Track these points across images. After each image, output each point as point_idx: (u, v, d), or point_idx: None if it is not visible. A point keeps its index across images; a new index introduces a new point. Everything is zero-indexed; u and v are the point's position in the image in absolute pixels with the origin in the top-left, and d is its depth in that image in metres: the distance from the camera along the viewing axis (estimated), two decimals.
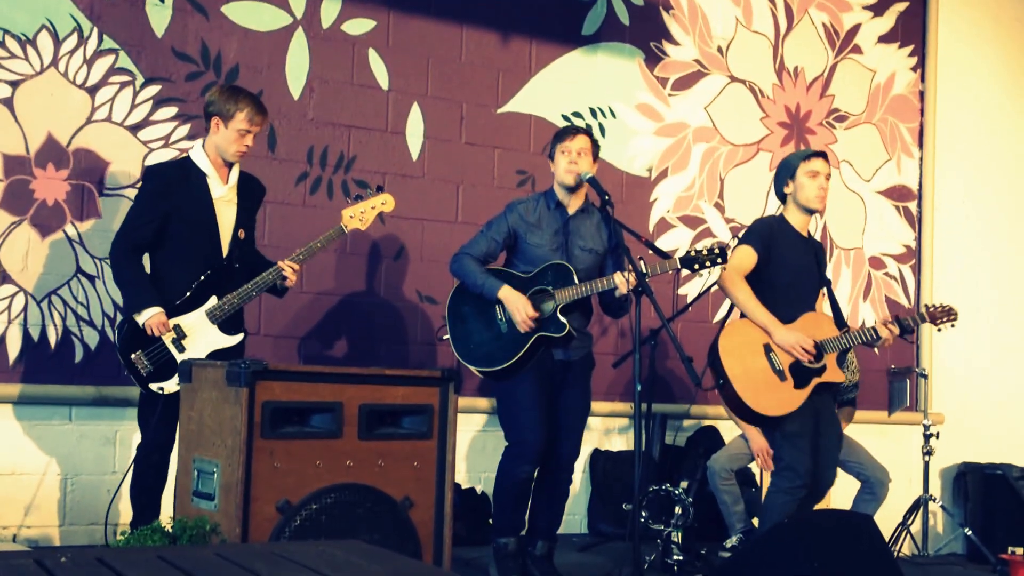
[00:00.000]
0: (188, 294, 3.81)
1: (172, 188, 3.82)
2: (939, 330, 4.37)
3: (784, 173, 4.25)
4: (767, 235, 4.17)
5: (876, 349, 6.33)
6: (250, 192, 4.03)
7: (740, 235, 4.32)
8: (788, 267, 4.16)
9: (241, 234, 3.93)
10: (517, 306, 3.97)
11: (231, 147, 3.84)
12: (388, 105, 5.27)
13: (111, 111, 4.68)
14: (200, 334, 3.83)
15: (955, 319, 4.33)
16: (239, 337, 3.91)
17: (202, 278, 3.83)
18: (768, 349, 4.07)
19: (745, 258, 4.12)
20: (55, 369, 4.51)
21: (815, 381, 4.07)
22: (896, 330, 4.18)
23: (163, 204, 3.82)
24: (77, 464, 4.52)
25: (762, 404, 4.01)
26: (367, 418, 3.47)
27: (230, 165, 3.92)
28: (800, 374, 4.05)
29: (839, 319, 4.22)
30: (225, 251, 3.89)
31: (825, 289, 4.34)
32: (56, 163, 4.57)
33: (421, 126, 5.33)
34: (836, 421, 4.31)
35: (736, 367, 4.02)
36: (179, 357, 3.78)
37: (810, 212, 4.23)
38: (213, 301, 3.83)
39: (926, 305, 4.45)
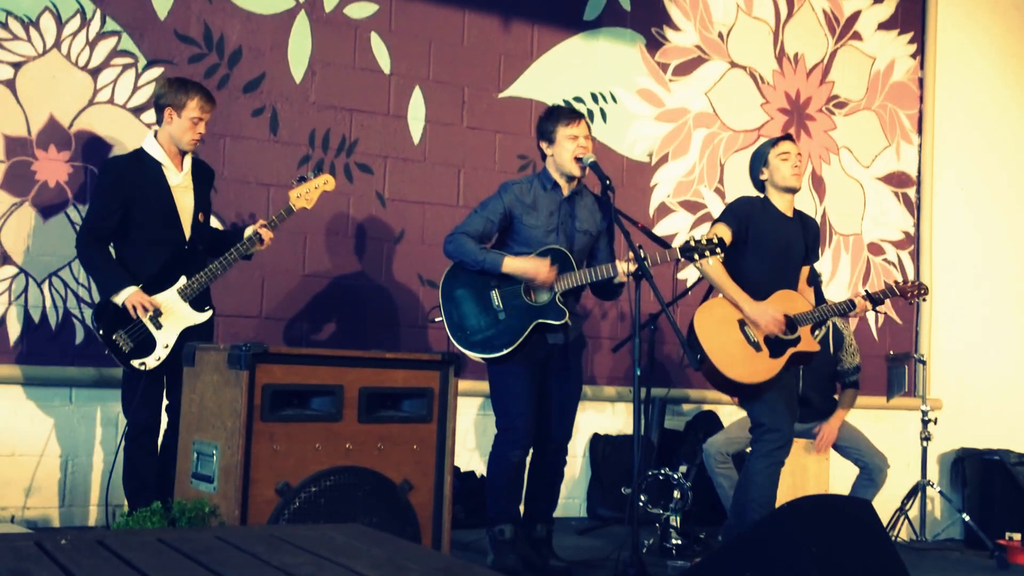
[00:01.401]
0: (156, 275, 3.96)
1: (129, 178, 3.97)
2: (911, 303, 4.65)
3: (757, 163, 4.35)
4: (744, 214, 4.25)
5: (875, 334, 6.35)
6: (203, 176, 4.17)
7: (719, 213, 4.38)
8: (766, 246, 4.24)
9: (200, 218, 4.10)
10: (534, 268, 3.95)
11: (185, 135, 3.99)
12: (390, 89, 5.26)
13: (113, 93, 4.68)
14: (174, 311, 3.97)
15: (925, 294, 4.61)
16: (209, 314, 4.06)
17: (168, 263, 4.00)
18: (743, 324, 4.18)
19: (720, 236, 4.18)
20: (55, 350, 4.52)
21: (790, 351, 4.18)
22: (868, 304, 4.45)
23: (121, 194, 3.96)
24: (77, 445, 4.54)
25: (739, 373, 4.11)
26: (367, 401, 3.48)
27: (183, 153, 4.07)
28: (775, 345, 4.16)
29: (819, 298, 4.34)
30: (187, 235, 4.04)
31: (811, 268, 4.42)
32: (58, 145, 4.57)
33: (423, 110, 5.32)
34: (795, 399, 4.42)
35: (712, 342, 4.12)
36: (156, 334, 3.93)
37: (790, 191, 4.31)
38: (183, 281, 3.98)
39: (896, 280, 4.67)
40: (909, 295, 4.55)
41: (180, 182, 4.05)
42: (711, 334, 4.13)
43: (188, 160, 4.09)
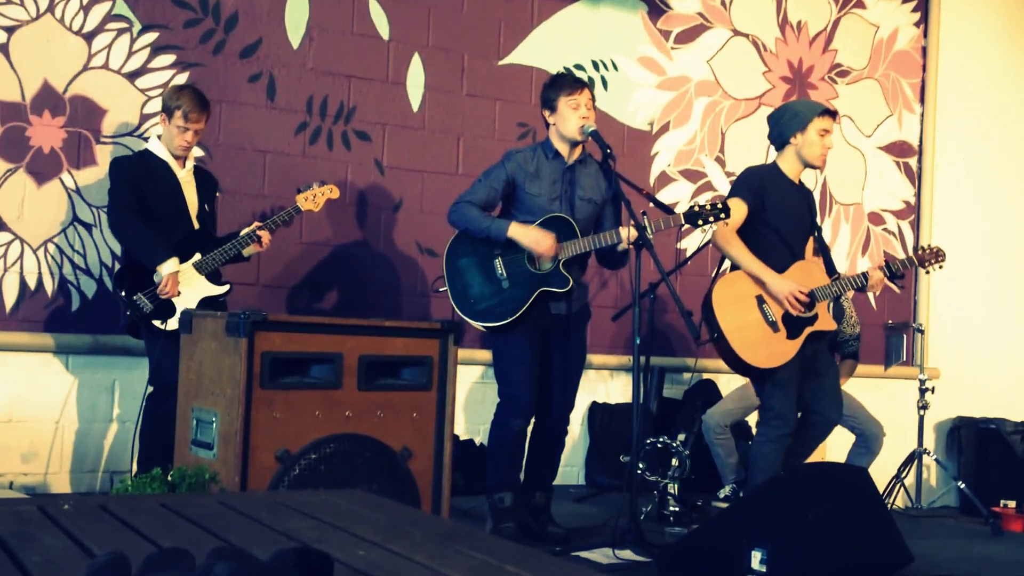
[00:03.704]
0: (174, 249, 4.11)
1: (138, 172, 4.17)
2: (927, 272, 4.45)
3: (793, 123, 4.17)
4: (757, 185, 4.15)
5: (873, 303, 6.35)
6: (206, 180, 4.37)
7: (730, 187, 4.29)
8: (780, 216, 4.14)
9: (207, 207, 4.31)
10: (536, 239, 3.92)
11: (174, 141, 4.19)
12: (388, 55, 5.21)
13: (108, 58, 4.63)
14: (192, 282, 4.14)
15: (943, 260, 4.37)
16: (226, 287, 4.25)
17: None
18: (761, 301, 4.08)
19: (736, 211, 4.10)
20: (52, 317, 4.51)
21: (807, 330, 4.09)
22: (886, 274, 4.23)
23: (133, 183, 4.14)
24: (74, 412, 4.54)
25: (756, 357, 4.04)
26: (367, 369, 3.48)
27: (181, 157, 4.25)
28: (792, 324, 4.07)
29: (829, 266, 4.24)
30: (195, 222, 4.25)
31: (815, 236, 4.33)
32: (52, 110, 4.53)
33: (422, 77, 5.28)
34: (833, 363, 4.32)
35: (729, 320, 4.03)
36: (176, 300, 4.07)
37: (811, 167, 4.23)
38: (198, 256, 4.16)
39: (915, 247, 4.48)
40: (927, 263, 4.35)
41: (184, 176, 4.25)
42: (728, 312, 4.03)
43: (190, 162, 4.29)
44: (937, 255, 4.35)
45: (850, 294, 5.32)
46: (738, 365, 4.09)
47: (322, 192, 4.43)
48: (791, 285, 4.04)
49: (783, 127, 4.21)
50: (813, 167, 4.22)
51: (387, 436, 3.50)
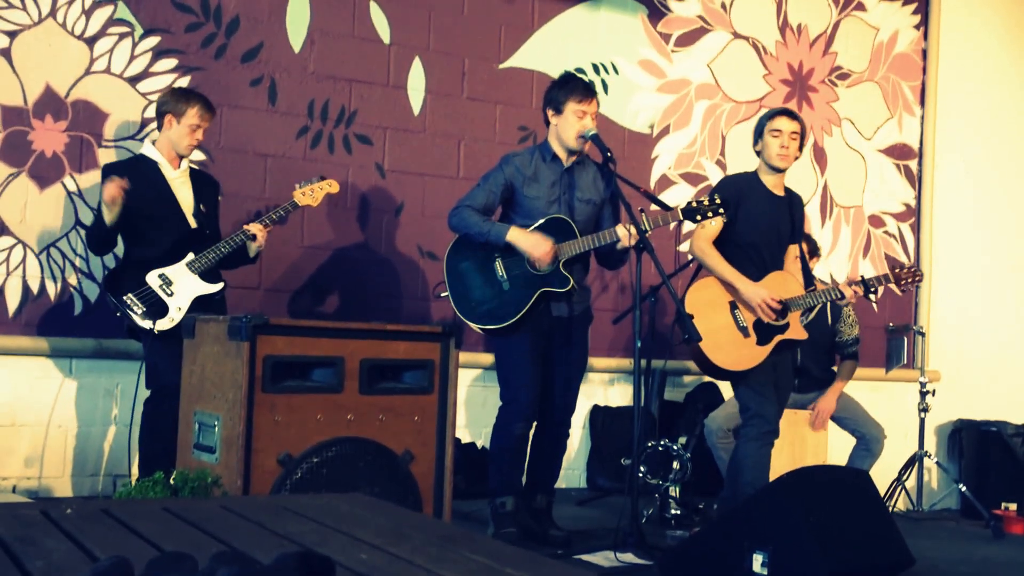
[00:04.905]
0: (166, 252, 4.12)
1: (127, 176, 4.11)
2: (902, 292, 4.52)
3: (755, 132, 4.26)
4: (732, 194, 4.17)
5: (875, 306, 6.36)
6: (203, 182, 4.37)
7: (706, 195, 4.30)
8: (753, 226, 4.17)
9: (203, 208, 4.30)
10: (533, 243, 3.93)
11: (183, 140, 4.20)
12: (389, 59, 5.22)
13: (110, 62, 4.64)
14: (184, 281, 4.12)
15: (920, 279, 4.46)
16: (220, 285, 4.21)
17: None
18: (733, 306, 4.13)
19: (714, 221, 4.12)
20: (55, 321, 4.51)
21: (777, 338, 4.14)
22: (860, 291, 4.31)
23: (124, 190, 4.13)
24: (77, 416, 4.54)
25: (725, 360, 4.09)
26: (368, 372, 3.49)
27: (181, 158, 4.26)
28: (763, 331, 4.12)
29: (807, 278, 4.27)
30: (192, 222, 4.22)
31: (798, 247, 4.35)
32: (54, 114, 4.54)
33: (423, 80, 5.29)
34: (791, 382, 4.41)
35: (701, 324, 4.04)
36: (168, 300, 4.05)
37: (776, 170, 4.21)
38: (191, 256, 4.15)
39: (892, 267, 4.56)
40: (903, 283, 4.39)
41: (177, 177, 4.24)
42: (700, 317, 4.06)
43: (185, 162, 4.28)
44: (914, 275, 4.43)
45: (849, 306, 5.35)
46: (708, 367, 4.15)
47: (320, 187, 4.38)
48: (763, 292, 4.09)
49: (754, 139, 4.28)
50: (776, 169, 4.20)
51: (389, 439, 3.50)
